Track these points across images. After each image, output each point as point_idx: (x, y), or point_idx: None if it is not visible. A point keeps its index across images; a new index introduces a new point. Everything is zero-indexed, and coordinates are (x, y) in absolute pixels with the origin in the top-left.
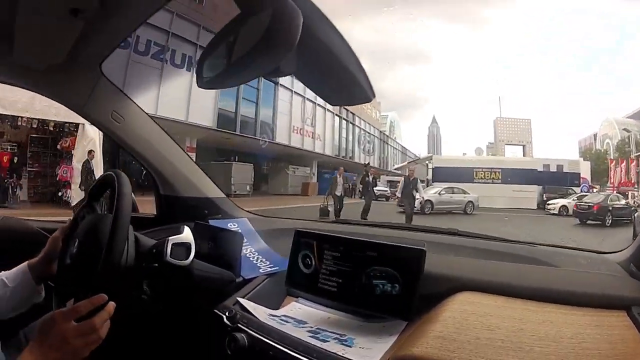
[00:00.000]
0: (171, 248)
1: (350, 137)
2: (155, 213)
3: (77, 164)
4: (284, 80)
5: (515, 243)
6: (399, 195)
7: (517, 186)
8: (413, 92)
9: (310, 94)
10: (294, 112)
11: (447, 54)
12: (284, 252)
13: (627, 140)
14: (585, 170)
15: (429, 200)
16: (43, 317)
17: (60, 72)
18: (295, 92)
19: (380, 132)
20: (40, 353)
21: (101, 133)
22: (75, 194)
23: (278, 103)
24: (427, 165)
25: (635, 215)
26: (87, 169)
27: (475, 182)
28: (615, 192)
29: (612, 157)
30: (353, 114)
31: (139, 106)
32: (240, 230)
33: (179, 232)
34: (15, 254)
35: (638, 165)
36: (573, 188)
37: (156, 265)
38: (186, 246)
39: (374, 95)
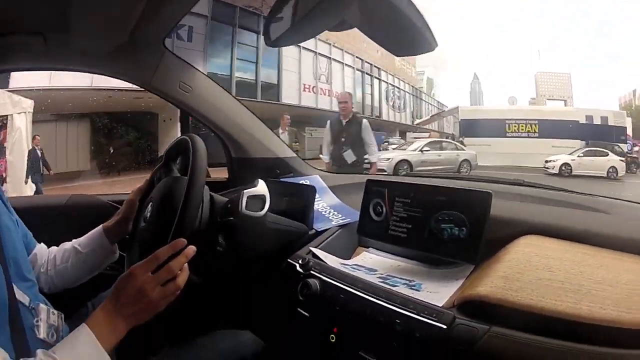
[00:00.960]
0: (246, 201)
1: (377, 94)
2: (227, 177)
3: (10, 156)
4: None
5: (577, 194)
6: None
7: (558, 141)
8: (454, 48)
9: (322, 47)
10: (304, 70)
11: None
12: (355, 205)
13: None
14: (627, 126)
15: (405, 160)
16: (121, 275)
17: (123, 51)
18: (305, 48)
19: (414, 87)
20: (113, 309)
21: (28, 121)
22: (13, 189)
23: (282, 60)
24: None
25: None
26: (34, 157)
27: (508, 136)
28: None
29: None
30: (379, 68)
31: (206, 75)
32: (313, 186)
33: (254, 185)
34: (89, 228)
35: None
36: (620, 144)
37: (232, 218)
38: (261, 198)
39: (436, 44)
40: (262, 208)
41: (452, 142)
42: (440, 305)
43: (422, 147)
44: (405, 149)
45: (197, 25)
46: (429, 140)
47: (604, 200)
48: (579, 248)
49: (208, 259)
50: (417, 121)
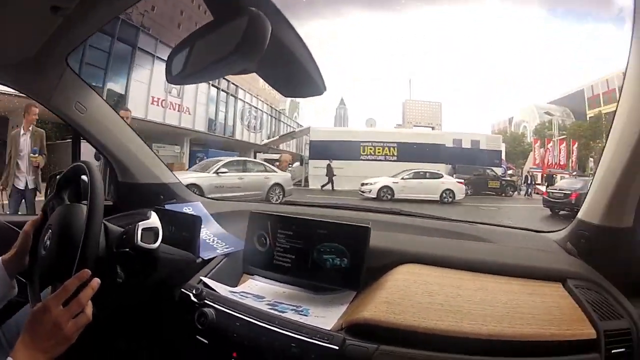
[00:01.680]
0: (141, 233)
1: (232, 112)
2: (111, 200)
3: None
4: (144, 42)
5: (457, 222)
6: None
7: (420, 165)
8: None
9: None
10: (155, 81)
11: (363, 38)
12: (237, 233)
13: (548, 124)
14: (502, 150)
15: (194, 184)
16: (34, 308)
17: (29, 65)
18: (159, 58)
19: (273, 108)
20: (32, 344)
21: None
22: None
23: (133, 69)
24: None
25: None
26: None
27: (363, 159)
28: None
29: (529, 141)
30: (236, 86)
31: (102, 97)
32: (195, 214)
33: (146, 217)
34: None
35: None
36: (493, 168)
37: (127, 250)
38: (154, 231)
39: (325, 89)
40: (156, 240)
41: (263, 163)
42: (328, 328)
43: (219, 169)
44: (207, 172)
45: None
46: (230, 159)
47: (485, 228)
48: (456, 274)
49: (108, 290)
50: (265, 141)
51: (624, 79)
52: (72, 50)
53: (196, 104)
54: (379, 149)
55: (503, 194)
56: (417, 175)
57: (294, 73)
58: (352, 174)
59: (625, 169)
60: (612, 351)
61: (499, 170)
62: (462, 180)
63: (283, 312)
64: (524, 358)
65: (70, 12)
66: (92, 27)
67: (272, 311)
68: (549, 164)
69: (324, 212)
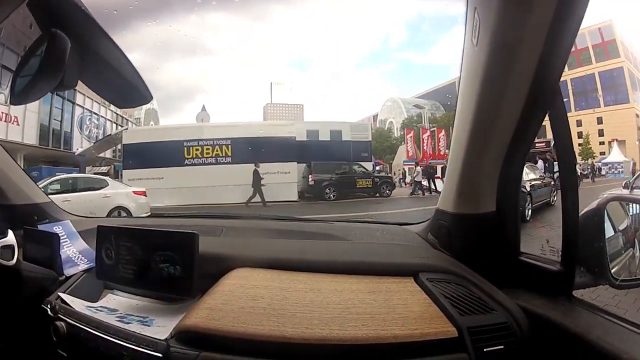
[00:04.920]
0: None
1: (70, 120)
2: None
3: None
4: None
5: (309, 221)
6: None
7: (262, 165)
8: (189, 84)
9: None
10: None
11: (226, 46)
12: None
13: (416, 117)
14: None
15: None
16: None
17: None
18: None
19: (119, 116)
20: None
21: None
22: None
23: None
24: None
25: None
26: None
27: (188, 164)
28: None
29: (397, 136)
30: (75, 90)
31: None
32: (64, 232)
33: (5, 235)
34: None
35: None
36: (362, 164)
37: None
38: (11, 248)
39: (151, 97)
40: (13, 257)
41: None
42: (164, 337)
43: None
44: None
45: None
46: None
47: (340, 225)
48: (288, 275)
49: None
50: (79, 150)
51: (460, 73)
52: None
53: (26, 111)
54: (207, 149)
55: (377, 194)
56: (66, 186)
57: (118, 85)
58: (174, 185)
59: (466, 157)
60: (485, 349)
61: (369, 166)
62: (143, 190)
63: (129, 323)
64: None
65: None
66: None
67: (118, 324)
68: (427, 155)
69: (184, 222)
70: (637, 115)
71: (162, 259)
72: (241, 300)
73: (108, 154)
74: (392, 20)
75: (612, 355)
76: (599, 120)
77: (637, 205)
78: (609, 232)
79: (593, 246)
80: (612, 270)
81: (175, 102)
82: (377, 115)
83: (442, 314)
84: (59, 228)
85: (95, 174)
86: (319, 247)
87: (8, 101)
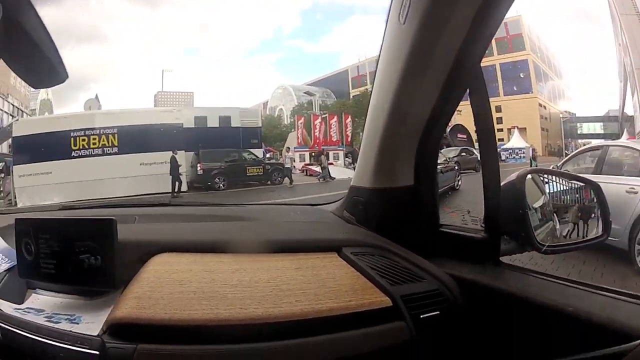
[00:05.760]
0: None
1: None
2: None
3: None
4: None
5: (222, 206)
6: None
7: (150, 155)
8: (83, 73)
9: None
10: None
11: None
12: None
13: (307, 104)
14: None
15: None
16: None
17: None
18: None
19: (17, 108)
20: None
21: None
22: None
23: None
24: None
25: None
26: None
27: (75, 156)
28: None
29: (287, 123)
30: None
31: None
32: None
33: None
34: None
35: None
36: (252, 151)
37: None
38: None
39: (67, 76)
40: None
41: None
42: (96, 333)
43: None
44: None
45: None
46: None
47: (256, 208)
48: (212, 258)
49: None
50: None
51: (380, 51)
52: None
53: None
54: (94, 139)
55: (269, 182)
56: None
57: (36, 61)
58: (62, 180)
59: (384, 132)
60: (422, 316)
61: (259, 153)
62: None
63: (58, 322)
64: (311, 338)
65: None
66: None
67: (47, 324)
68: (318, 141)
69: (96, 213)
70: (540, 105)
71: (81, 250)
72: (168, 286)
73: (5, 149)
74: (285, 8)
75: (554, 309)
76: (498, 109)
77: (555, 178)
78: (530, 203)
79: (517, 213)
80: (538, 238)
81: (69, 92)
82: (267, 102)
83: (373, 284)
84: None
85: None
86: (238, 228)
87: None
